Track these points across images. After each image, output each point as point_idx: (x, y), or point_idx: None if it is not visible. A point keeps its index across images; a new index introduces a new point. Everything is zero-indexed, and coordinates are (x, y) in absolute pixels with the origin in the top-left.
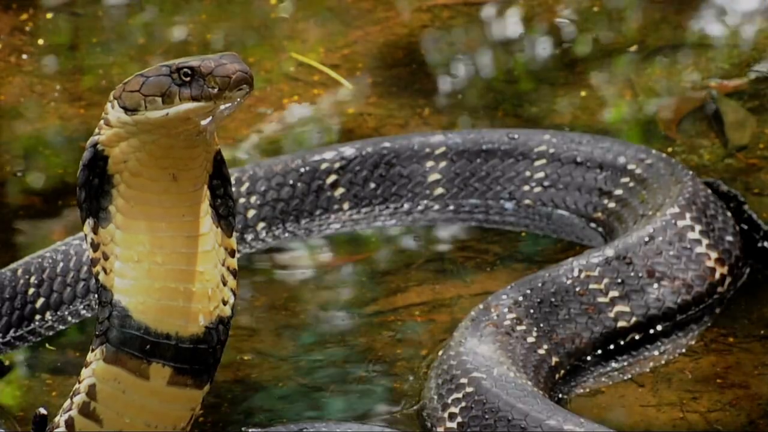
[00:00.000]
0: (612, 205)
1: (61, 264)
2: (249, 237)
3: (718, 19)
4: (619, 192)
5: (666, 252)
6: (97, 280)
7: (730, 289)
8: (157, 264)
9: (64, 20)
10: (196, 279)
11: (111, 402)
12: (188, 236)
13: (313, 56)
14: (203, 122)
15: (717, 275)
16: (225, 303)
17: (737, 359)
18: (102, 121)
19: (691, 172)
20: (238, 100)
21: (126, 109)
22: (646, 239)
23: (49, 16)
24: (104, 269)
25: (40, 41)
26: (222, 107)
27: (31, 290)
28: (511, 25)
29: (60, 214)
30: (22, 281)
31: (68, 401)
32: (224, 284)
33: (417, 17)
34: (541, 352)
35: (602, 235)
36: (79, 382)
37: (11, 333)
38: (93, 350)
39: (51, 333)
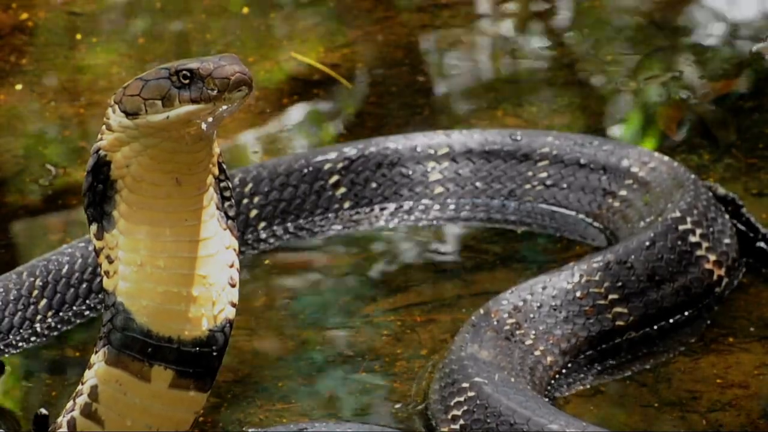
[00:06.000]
0: (615, 206)
1: (66, 266)
2: (250, 237)
3: (717, 20)
4: (622, 194)
5: (666, 255)
6: (101, 283)
7: (725, 290)
8: (160, 268)
9: (64, 20)
10: (198, 283)
11: (113, 404)
12: (191, 240)
13: (313, 56)
14: (204, 124)
15: (714, 277)
16: (228, 306)
17: (737, 359)
18: (104, 126)
19: (693, 176)
20: (238, 101)
21: (127, 114)
22: (647, 243)
23: (48, 15)
24: (108, 273)
25: (40, 41)
26: (222, 108)
27: (35, 292)
28: (511, 24)
29: (60, 214)
30: (27, 283)
31: (71, 402)
32: (227, 288)
33: (417, 17)
34: (539, 353)
35: (605, 235)
36: (82, 384)
37: (12, 334)
38: (96, 352)
39: (54, 333)
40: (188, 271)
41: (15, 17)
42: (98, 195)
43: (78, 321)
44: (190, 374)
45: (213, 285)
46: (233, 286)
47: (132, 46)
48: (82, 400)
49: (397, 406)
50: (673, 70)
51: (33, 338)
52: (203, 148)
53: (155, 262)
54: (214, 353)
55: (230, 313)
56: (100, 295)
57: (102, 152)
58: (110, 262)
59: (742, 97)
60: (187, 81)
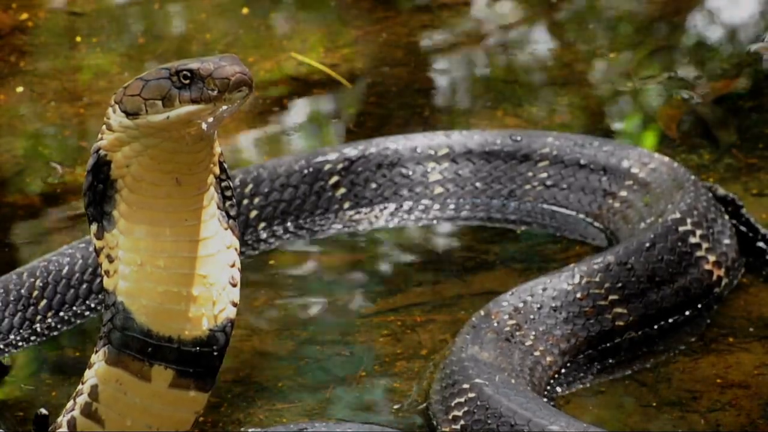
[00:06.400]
0: (615, 207)
1: (66, 267)
2: (250, 238)
3: (716, 20)
4: (622, 194)
5: (666, 257)
6: (102, 283)
7: (725, 291)
8: (159, 268)
9: (64, 20)
10: (198, 283)
11: (113, 403)
12: (191, 240)
13: (313, 56)
14: (204, 125)
15: (714, 278)
16: (229, 306)
17: (737, 359)
18: (104, 126)
19: (693, 176)
20: (238, 102)
21: (127, 114)
22: (648, 244)
23: (48, 15)
24: (108, 272)
25: (40, 41)
26: (222, 109)
27: (36, 292)
28: (511, 24)
29: (60, 214)
30: (27, 284)
31: (71, 402)
32: (228, 287)
33: (417, 17)
34: (539, 354)
35: (606, 235)
36: (82, 383)
37: (12, 334)
38: (96, 352)
39: (54, 333)
40: (188, 270)
41: (15, 17)
42: (98, 194)
43: (78, 321)
44: (190, 374)
45: (213, 285)
46: (234, 285)
47: (132, 46)
48: (82, 399)
49: (397, 406)
50: (673, 70)
51: (33, 338)
52: (204, 148)
53: (155, 261)
54: (215, 353)
55: (231, 312)
56: (100, 296)
57: (102, 152)
58: (110, 261)
59: (742, 97)
60: (187, 81)
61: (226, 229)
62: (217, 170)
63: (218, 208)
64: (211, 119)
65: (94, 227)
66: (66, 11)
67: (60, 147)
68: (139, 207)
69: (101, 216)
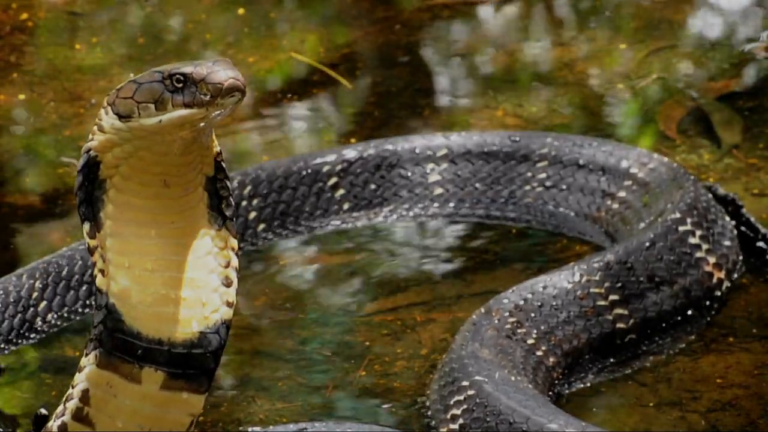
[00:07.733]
0: (614, 208)
1: (66, 268)
2: (250, 239)
3: (716, 19)
4: (621, 195)
5: (666, 257)
6: (94, 283)
7: (725, 293)
8: (147, 270)
9: (64, 20)
10: (186, 285)
11: (104, 406)
12: (177, 243)
13: (313, 56)
14: (196, 129)
15: (714, 279)
16: (223, 307)
17: (737, 359)
18: (95, 127)
19: (693, 176)
20: (230, 107)
21: (120, 116)
22: (647, 245)
23: (48, 15)
24: (101, 272)
25: (40, 41)
26: (214, 114)
27: (35, 294)
28: (511, 24)
29: (59, 214)
30: (26, 285)
31: (61, 406)
32: (220, 288)
33: (417, 17)
34: (541, 353)
35: (605, 235)
36: (72, 387)
37: (12, 335)
38: (86, 355)
39: (54, 333)
40: (175, 273)
41: (15, 17)
42: (88, 194)
43: (78, 322)
44: (182, 376)
45: (201, 287)
46: (229, 286)
47: (132, 46)
48: (72, 404)
49: (397, 406)
50: (673, 70)
51: (33, 338)
52: (194, 151)
53: (142, 263)
54: (208, 354)
55: (225, 313)
56: None
57: (92, 153)
58: (102, 262)
59: (742, 97)
60: (180, 85)
61: (219, 229)
62: (210, 171)
63: (213, 208)
64: (202, 123)
65: (86, 226)
66: (66, 11)
67: (60, 147)
68: (126, 208)
69: (92, 216)
